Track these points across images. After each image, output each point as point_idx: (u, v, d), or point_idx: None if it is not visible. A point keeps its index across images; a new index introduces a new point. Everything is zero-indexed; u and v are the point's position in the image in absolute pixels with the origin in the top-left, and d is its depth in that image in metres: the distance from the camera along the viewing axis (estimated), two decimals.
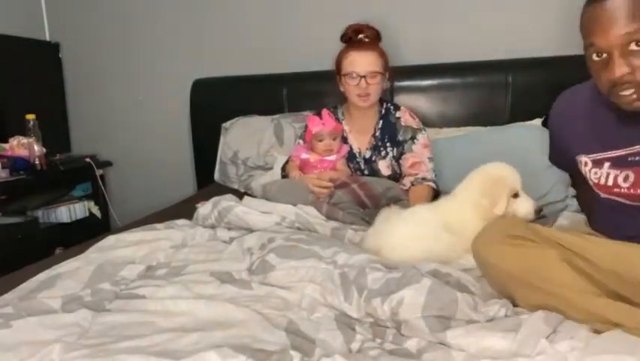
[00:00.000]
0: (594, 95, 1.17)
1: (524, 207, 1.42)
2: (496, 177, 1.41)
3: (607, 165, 1.18)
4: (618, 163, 1.16)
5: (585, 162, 1.24)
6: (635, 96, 1.03)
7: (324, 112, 1.88)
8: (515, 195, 1.43)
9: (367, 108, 1.91)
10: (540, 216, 1.70)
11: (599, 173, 1.20)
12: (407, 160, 1.90)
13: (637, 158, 1.13)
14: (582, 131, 1.24)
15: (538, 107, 2.12)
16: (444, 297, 1.00)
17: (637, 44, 1.00)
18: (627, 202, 1.17)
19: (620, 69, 1.01)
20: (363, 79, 1.82)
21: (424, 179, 1.86)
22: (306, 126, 1.93)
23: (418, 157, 1.89)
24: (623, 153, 1.15)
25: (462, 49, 2.33)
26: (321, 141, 1.86)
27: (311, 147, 1.90)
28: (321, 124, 1.84)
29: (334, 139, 1.87)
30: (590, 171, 1.23)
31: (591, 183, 1.24)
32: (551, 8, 2.24)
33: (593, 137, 1.21)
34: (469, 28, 2.34)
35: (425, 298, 1.00)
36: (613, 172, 1.17)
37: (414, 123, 1.94)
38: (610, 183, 1.18)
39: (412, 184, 1.86)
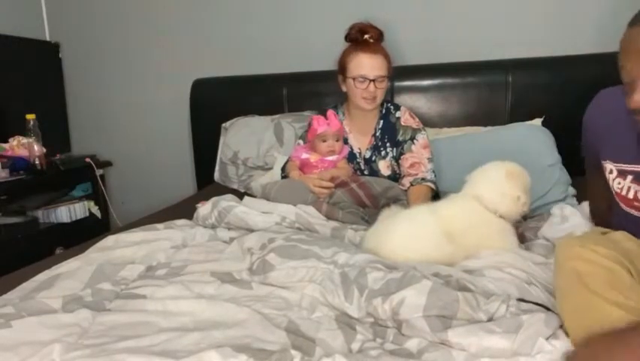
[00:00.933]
0: None
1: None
2: (519, 171, 1.39)
3: (630, 177, 1.15)
4: None
5: (610, 169, 1.20)
6: None
7: (330, 112, 1.88)
8: None
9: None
10: (534, 215, 1.70)
11: (622, 184, 1.17)
12: (406, 160, 1.90)
13: None
14: (614, 137, 1.19)
15: (538, 107, 2.14)
16: (445, 297, 1.00)
17: None
18: None
19: (637, 99, 0.96)
20: (372, 83, 1.82)
21: (423, 179, 1.86)
22: (309, 125, 1.92)
23: (418, 157, 1.89)
24: None
25: (462, 49, 2.33)
26: (324, 141, 1.86)
27: (313, 147, 1.90)
28: (326, 124, 1.84)
29: (337, 140, 1.87)
30: (614, 179, 1.20)
31: (613, 191, 1.21)
32: (551, 9, 2.24)
33: (623, 146, 1.17)
34: (469, 29, 2.34)
35: (426, 299, 1.00)
36: (634, 187, 1.14)
37: (414, 123, 1.94)
38: (630, 196, 1.15)
39: (412, 184, 1.86)
